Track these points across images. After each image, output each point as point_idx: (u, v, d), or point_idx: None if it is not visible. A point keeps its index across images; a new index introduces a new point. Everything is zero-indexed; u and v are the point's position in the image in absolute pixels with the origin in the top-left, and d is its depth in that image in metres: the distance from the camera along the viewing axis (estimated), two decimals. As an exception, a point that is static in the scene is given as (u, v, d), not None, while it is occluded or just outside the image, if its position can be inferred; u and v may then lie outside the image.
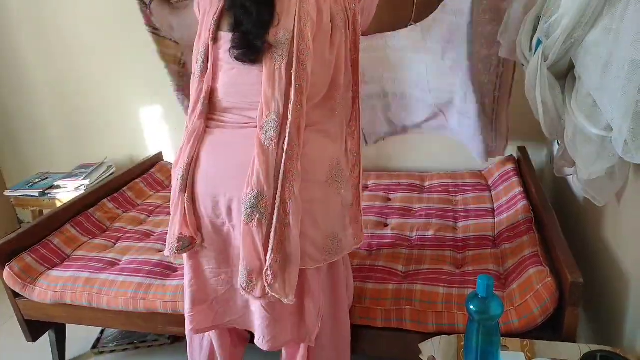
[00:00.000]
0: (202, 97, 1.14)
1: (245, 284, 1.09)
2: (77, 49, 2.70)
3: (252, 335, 1.39)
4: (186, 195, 1.14)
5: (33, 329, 1.76)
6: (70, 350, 1.92)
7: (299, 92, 1.05)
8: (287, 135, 1.04)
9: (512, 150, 2.19)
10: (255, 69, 1.08)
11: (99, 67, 2.71)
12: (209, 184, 1.13)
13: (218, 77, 1.15)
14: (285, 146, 1.04)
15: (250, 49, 1.06)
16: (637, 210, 1.11)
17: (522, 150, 2.15)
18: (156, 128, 2.78)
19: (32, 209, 2.63)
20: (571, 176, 1.51)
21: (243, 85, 1.12)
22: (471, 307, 0.97)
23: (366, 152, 2.40)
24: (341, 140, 1.19)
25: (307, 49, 1.04)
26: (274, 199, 1.05)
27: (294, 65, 1.04)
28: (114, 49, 2.65)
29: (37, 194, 2.53)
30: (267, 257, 1.06)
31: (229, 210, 1.13)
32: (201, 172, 1.14)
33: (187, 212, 1.15)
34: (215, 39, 1.13)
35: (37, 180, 2.66)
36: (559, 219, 1.48)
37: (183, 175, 1.14)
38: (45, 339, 1.83)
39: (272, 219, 1.06)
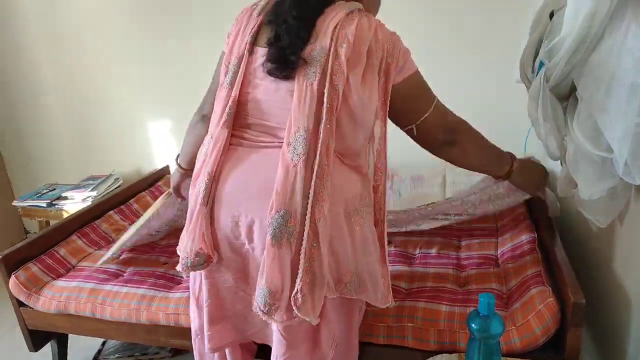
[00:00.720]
0: (229, 105, 1.12)
1: (266, 308, 1.03)
2: (87, 61, 2.75)
3: (259, 349, 1.38)
4: (206, 210, 1.11)
5: (36, 338, 1.76)
6: (72, 362, 1.92)
7: (330, 112, 1.02)
8: (317, 154, 1.02)
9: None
10: (284, 87, 1.07)
11: (108, 80, 2.76)
12: (229, 204, 1.10)
13: (247, 91, 1.13)
14: (316, 166, 1.01)
15: (285, 63, 1.05)
16: (640, 231, 1.11)
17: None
18: (164, 141, 2.82)
19: (39, 219, 2.66)
20: (574, 197, 1.52)
21: (271, 103, 1.10)
22: (472, 325, 0.97)
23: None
24: (368, 181, 1.14)
25: (341, 70, 1.03)
26: (303, 218, 1.02)
27: (326, 85, 1.02)
28: (124, 62, 2.70)
29: (44, 205, 2.57)
30: (297, 280, 1.02)
31: (250, 230, 1.08)
32: (223, 191, 1.11)
33: (205, 227, 1.11)
34: (250, 52, 1.13)
35: (45, 191, 2.70)
36: (562, 239, 1.48)
37: (206, 188, 1.10)
38: (47, 350, 1.83)
39: (302, 238, 1.01)
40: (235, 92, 1.12)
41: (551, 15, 1.21)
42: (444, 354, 1.21)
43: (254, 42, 1.13)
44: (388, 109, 1.12)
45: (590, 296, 1.29)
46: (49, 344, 1.83)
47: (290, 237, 1.01)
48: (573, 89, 1.14)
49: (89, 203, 2.40)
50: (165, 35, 2.60)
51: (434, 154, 1.24)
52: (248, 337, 1.26)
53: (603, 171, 1.04)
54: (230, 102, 1.12)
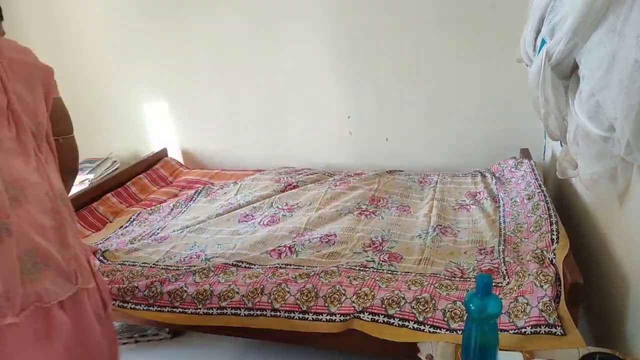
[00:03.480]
0: None
1: None
2: (84, 44, 2.71)
3: None
4: None
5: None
6: (72, 343, 1.93)
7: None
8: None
9: (514, 152, 2.18)
10: None
11: (105, 63, 2.72)
12: None
13: None
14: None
15: None
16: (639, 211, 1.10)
17: (524, 152, 2.14)
18: (161, 124, 2.79)
19: (36, 202, 2.64)
20: (574, 177, 1.51)
21: None
22: (470, 305, 0.97)
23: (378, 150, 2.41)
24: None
25: (7, 76, 1.06)
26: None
27: None
28: (120, 44, 2.66)
29: (41, 188, 2.55)
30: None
31: None
32: None
33: None
34: None
35: (42, 174, 2.68)
36: (561, 220, 1.48)
37: None
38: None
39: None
40: None
41: (554, -9, 1.18)
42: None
43: None
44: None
45: (589, 277, 1.29)
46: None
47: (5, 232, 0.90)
48: (575, 67, 1.12)
49: (86, 186, 2.38)
50: (160, 17, 2.56)
51: (65, 177, 1.21)
52: None
53: (604, 151, 1.03)
54: None
